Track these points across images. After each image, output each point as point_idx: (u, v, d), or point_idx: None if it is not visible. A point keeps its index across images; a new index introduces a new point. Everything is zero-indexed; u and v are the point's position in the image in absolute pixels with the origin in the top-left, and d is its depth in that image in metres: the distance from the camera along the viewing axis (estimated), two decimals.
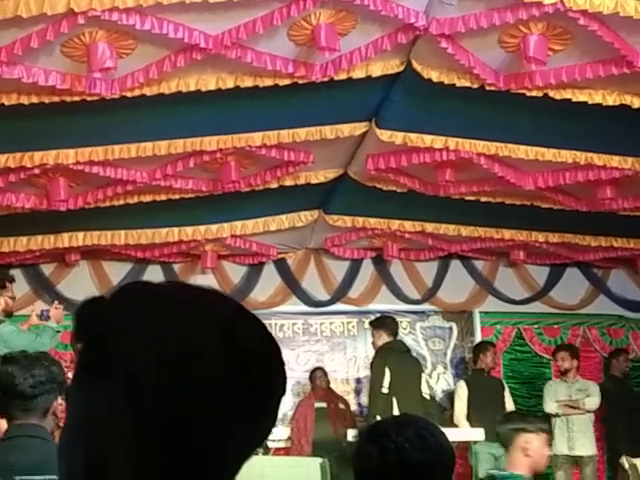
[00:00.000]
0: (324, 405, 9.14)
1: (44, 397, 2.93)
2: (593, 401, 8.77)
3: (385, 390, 7.92)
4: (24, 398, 2.90)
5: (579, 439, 8.64)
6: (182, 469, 0.89)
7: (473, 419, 8.65)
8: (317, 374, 9.38)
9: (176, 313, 0.93)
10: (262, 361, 0.96)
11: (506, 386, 9.17)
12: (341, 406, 9.24)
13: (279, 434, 8.78)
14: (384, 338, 8.28)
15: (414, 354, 9.29)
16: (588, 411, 8.75)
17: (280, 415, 1.07)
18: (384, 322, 8.57)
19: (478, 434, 8.18)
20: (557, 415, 8.71)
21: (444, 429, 2.45)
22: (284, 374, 0.99)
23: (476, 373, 9.24)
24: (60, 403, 3.03)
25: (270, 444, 8.70)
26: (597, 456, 8.91)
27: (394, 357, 8.10)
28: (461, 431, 8.34)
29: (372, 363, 8.30)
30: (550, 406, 8.75)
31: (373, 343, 8.33)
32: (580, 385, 8.87)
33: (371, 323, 8.67)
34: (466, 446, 8.39)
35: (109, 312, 0.93)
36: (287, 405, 9.22)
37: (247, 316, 0.99)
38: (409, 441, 2.18)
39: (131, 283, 0.98)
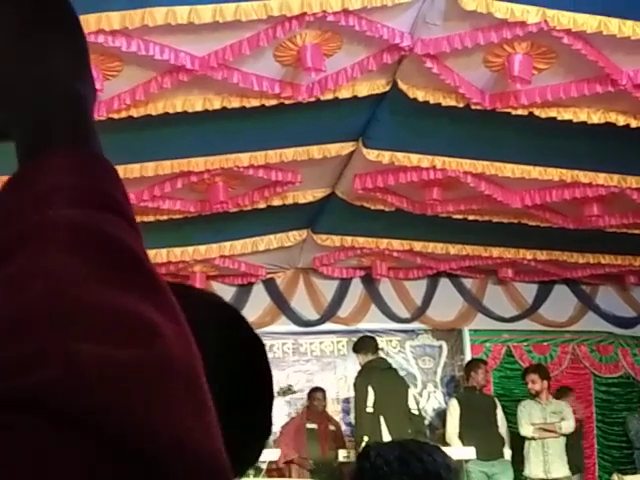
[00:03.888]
0: (315, 427, 9.08)
1: None
2: (569, 424, 8.76)
3: (370, 409, 7.93)
4: None
5: (554, 462, 8.63)
6: None
7: (465, 437, 8.63)
8: (317, 395, 9.28)
9: None
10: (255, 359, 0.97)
11: (498, 404, 9.15)
12: (331, 427, 9.19)
13: (272, 455, 8.74)
14: (363, 358, 8.35)
15: (402, 372, 9.31)
16: (563, 435, 8.74)
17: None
18: (359, 344, 8.66)
19: (469, 453, 8.18)
20: (533, 438, 8.70)
21: None
22: (270, 376, 1.00)
23: (468, 391, 9.22)
24: None
25: (262, 465, 8.65)
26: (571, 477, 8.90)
27: (376, 375, 8.15)
28: (451, 450, 8.33)
29: (355, 383, 8.31)
30: (526, 430, 8.73)
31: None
32: (554, 407, 8.85)
33: (353, 350, 8.77)
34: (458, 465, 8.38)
35: None
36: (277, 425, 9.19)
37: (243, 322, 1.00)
38: (388, 464, 2.16)
39: None
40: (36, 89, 0.64)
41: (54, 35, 0.66)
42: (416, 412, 8.22)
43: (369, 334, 9.36)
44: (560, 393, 9.27)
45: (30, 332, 0.49)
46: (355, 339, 10.06)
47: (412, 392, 8.55)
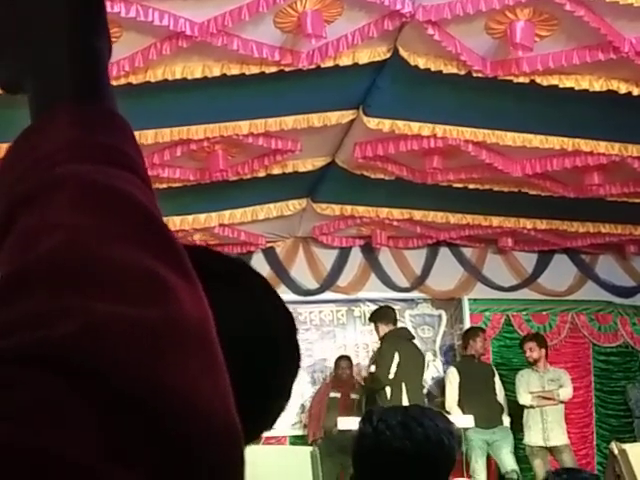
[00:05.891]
0: (338, 395, 9.09)
1: None
2: (567, 391, 8.81)
3: (392, 376, 7.98)
4: None
5: (554, 429, 8.68)
6: None
7: (464, 405, 8.68)
8: (341, 364, 9.28)
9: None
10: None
11: (496, 372, 9.18)
12: (353, 396, 9.16)
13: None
14: (384, 329, 8.36)
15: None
16: (562, 402, 8.79)
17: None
18: (379, 314, 8.65)
19: (467, 421, 8.22)
20: (532, 406, 8.74)
21: None
22: (299, 353, 0.98)
23: (466, 359, 9.26)
24: None
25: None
26: (570, 444, 8.95)
27: (402, 344, 8.19)
28: (450, 418, 8.36)
29: (380, 349, 8.29)
30: (524, 398, 8.77)
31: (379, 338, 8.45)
32: (552, 375, 8.90)
33: (369, 319, 8.78)
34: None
35: None
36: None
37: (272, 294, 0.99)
38: (390, 428, 2.16)
39: None
40: (48, 40, 0.63)
41: None
42: (425, 385, 8.28)
43: (388, 304, 9.40)
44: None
45: (44, 289, 0.48)
46: (354, 308, 10.12)
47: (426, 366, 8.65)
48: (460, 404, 8.73)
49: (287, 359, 0.97)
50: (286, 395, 0.97)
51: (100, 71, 0.63)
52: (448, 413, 8.52)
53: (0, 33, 0.65)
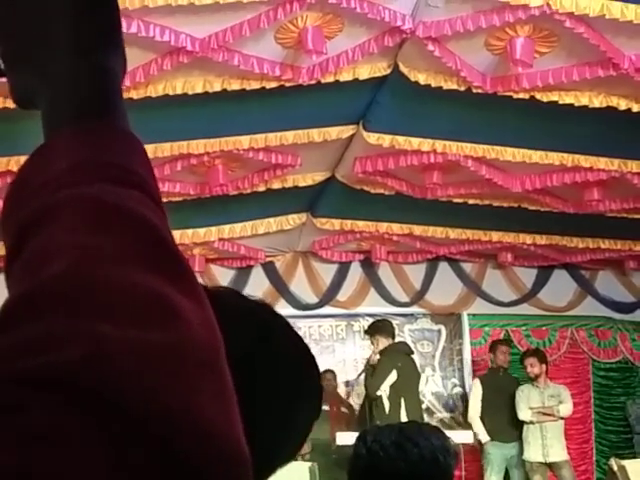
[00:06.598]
0: (326, 408, 9.05)
1: None
2: (567, 407, 8.76)
3: (380, 393, 7.94)
4: None
5: (553, 445, 8.62)
6: None
7: (487, 418, 8.65)
8: (327, 376, 9.26)
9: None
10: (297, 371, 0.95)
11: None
12: (343, 410, 9.15)
13: None
14: (383, 342, 8.31)
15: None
16: (562, 418, 8.75)
17: None
18: (378, 327, 8.61)
19: (465, 436, 8.20)
20: (531, 422, 8.71)
21: None
22: (319, 392, 0.96)
23: (491, 372, 9.22)
24: None
25: None
26: (570, 460, 8.90)
27: (402, 359, 8.15)
28: (451, 433, 8.33)
29: (379, 361, 8.24)
30: (525, 413, 8.72)
31: (373, 352, 8.36)
32: (552, 391, 8.85)
33: (366, 332, 8.72)
34: (478, 447, 8.47)
35: None
36: None
37: (284, 324, 0.97)
38: (384, 449, 2.14)
39: None
40: (58, 58, 0.63)
41: (83, 5, 0.66)
42: (423, 400, 8.24)
43: (386, 318, 9.36)
44: None
45: (53, 311, 0.48)
46: (354, 323, 10.10)
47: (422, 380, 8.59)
48: (482, 417, 8.70)
49: (294, 386, 0.95)
50: (296, 426, 0.95)
51: (111, 89, 0.64)
52: (469, 425, 8.54)
53: (13, 49, 0.66)
